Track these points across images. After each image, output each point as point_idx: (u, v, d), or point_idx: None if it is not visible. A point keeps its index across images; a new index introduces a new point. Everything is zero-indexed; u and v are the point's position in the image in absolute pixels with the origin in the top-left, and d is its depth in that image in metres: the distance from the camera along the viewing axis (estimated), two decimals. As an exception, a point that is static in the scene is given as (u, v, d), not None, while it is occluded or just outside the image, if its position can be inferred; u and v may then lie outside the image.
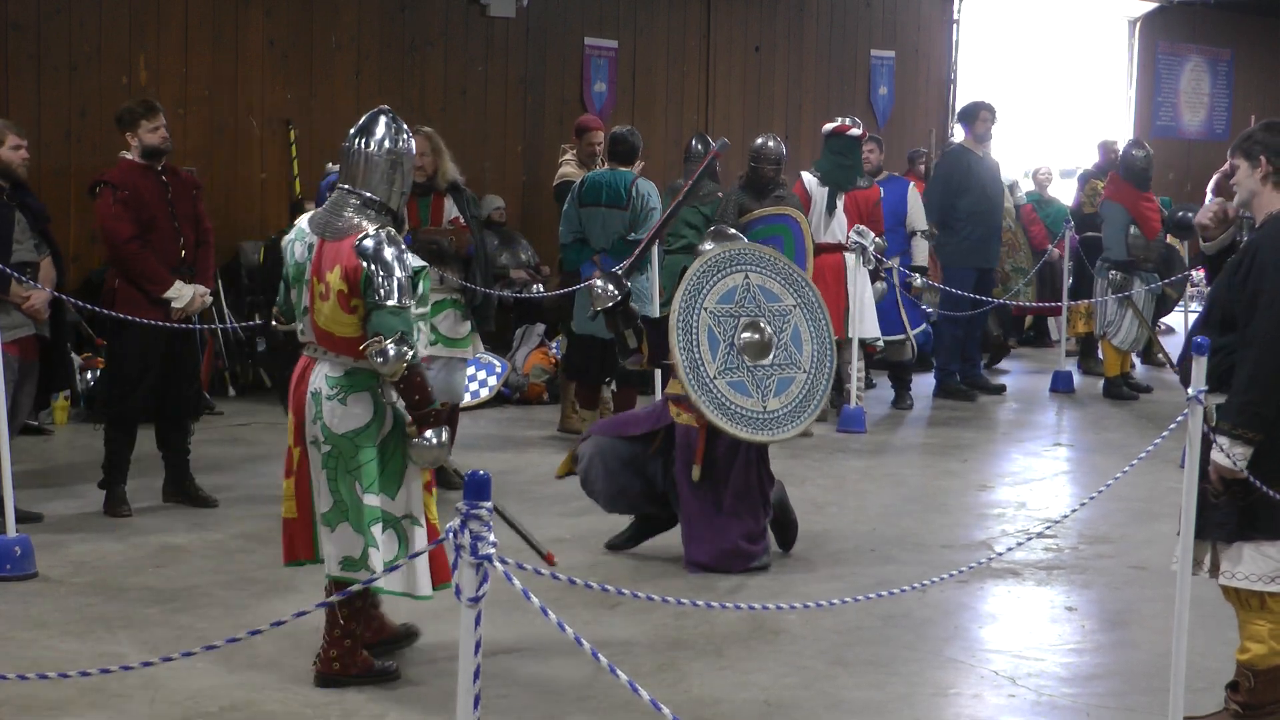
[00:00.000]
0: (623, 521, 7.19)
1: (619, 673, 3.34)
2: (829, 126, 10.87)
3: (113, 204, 7.57)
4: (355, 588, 4.55)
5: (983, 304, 12.04)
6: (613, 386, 9.93)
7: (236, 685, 5.23)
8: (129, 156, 7.71)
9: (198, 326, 7.77)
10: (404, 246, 5.12)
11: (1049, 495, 8.74)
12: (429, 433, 5.06)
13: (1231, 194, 5.09)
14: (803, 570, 6.93)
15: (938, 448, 10.02)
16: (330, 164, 11.27)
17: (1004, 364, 14.12)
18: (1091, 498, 5.30)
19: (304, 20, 12.66)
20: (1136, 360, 13.21)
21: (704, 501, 6.80)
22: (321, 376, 5.16)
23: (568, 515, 7.67)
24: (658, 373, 8.46)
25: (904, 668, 5.62)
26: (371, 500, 5.10)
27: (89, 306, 7.99)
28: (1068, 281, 12.85)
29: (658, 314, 8.51)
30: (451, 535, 3.42)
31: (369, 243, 5.00)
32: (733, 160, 13.01)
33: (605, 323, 7.16)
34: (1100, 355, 12.78)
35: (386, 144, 5.14)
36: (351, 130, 5.17)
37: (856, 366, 10.55)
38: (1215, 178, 14.48)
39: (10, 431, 6.64)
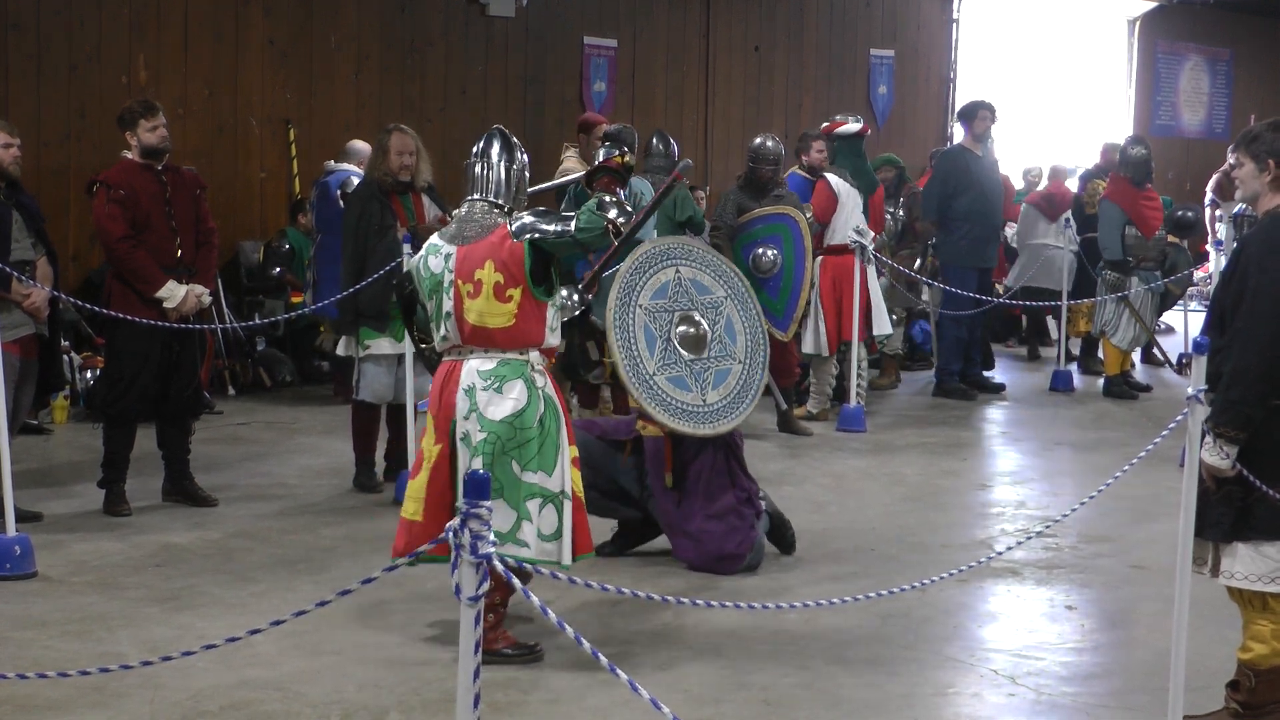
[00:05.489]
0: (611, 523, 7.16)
1: (619, 672, 3.34)
2: (853, 128, 10.79)
3: (107, 203, 7.57)
4: (510, 558, 4.74)
5: (983, 303, 12.06)
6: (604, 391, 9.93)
7: (236, 685, 5.23)
8: (129, 156, 7.72)
9: (194, 326, 7.75)
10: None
11: (1049, 494, 8.73)
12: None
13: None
14: (803, 570, 6.93)
15: (938, 447, 10.02)
16: (330, 161, 11.29)
17: (1003, 363, 14.15)
18: (1091, 497, 5.28)
19: (304, 20, 12.67)
20: (1136, 359, 13.21)
21: (680, 509, 6.83)
22: (473, 373, 5.48)
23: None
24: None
25: (904, 667, 5.62)
26: (530, 477, 5.43)
27: (87, 306, 8.00)
28: (1066, 283, 12.85)
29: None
30: (451, 535, 3.42)
31: (518, 225, 5.49)
32: (732, 160, 13.01)
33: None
34: (1101, 354, 12.79)
35: (515, 158, 5.68)
36: (475, 149, 5.67)
37: (862, 366, 10.58)
38: (1215, 177, 14.49)
39: (10, 431, 6.64)
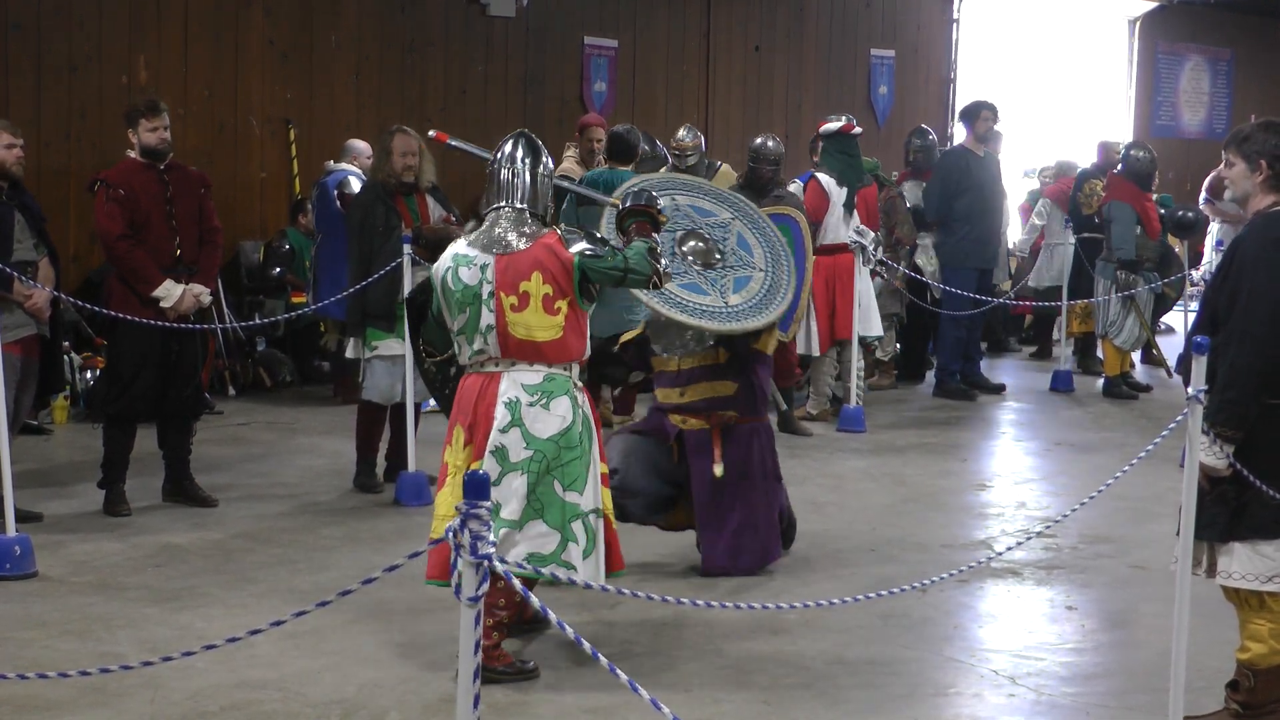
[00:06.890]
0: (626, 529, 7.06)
1: (619, 672, 3.34)
2: (833, 126, 10.84)
3: (106, 202, 7.57)
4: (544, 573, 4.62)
5: (983, 304, 12.06)
6: (615, 390, 9.92)
7: (236, 685, 5.23)
8: (132, 154, 7.73)
9: (195, 326, 7.75)
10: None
11: (1049, 495, 8.73)
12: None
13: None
14: (803, 570, 6.93)
15: (938, 448, 10.02)
16: (330, 161, 11.29)
17: (1003, 363, 14.14)
18: (1091, 497, 5.28)
19: (304, 20, 12.67)
20: (1136, 360, 13.21)
21: (725, 505, 6.66)
22: (516, 385, 5.29)
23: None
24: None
25: (904, 667, 5.62)
26: (571, 497, 5.28)
27: (87, 306, 8.00)
28: (1066, 282, 12.83)
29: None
30: (451, 535, 3.42)
31: (575, 249, 5.32)
32: (733, 160, 12.99)
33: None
34: (1100, 354, 12.78)
35: (541, 162, 5.47)
36: (499, 154, 5.46)
37: (857, 366, 10.58)
38: (1211, 176, 14.33)
39: (10, 431, 6.64)
